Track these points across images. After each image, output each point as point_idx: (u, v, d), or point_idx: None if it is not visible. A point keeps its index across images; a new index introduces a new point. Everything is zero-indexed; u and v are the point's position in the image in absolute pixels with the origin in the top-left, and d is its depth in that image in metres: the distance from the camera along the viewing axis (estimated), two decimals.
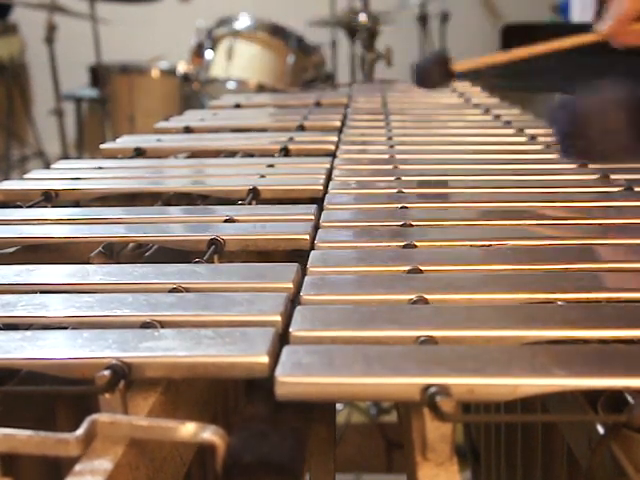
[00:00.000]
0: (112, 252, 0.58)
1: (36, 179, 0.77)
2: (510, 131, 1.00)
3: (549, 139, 0.93)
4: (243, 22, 2.91)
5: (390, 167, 0.79)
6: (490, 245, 0.53)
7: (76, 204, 0.73)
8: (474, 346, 0.38)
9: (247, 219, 0.60)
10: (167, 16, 3.83)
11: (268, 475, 0.33)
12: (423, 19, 3.58)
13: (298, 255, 0.55)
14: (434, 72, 0.91)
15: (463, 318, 0.40)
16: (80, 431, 0.32)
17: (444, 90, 1.50)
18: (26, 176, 0.79)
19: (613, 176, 0.72)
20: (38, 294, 0.46)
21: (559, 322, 0.39)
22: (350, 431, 1.74)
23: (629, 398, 0.34)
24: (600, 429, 0.34)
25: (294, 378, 0.34)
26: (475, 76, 1.64)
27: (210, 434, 0.32)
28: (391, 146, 0.90)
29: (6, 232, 0.59)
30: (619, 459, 0.33)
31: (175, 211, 0.65)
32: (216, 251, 0.54)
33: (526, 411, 0.50)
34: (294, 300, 0.44)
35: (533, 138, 0.94)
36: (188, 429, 0.32)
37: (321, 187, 0.70)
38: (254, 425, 0.36)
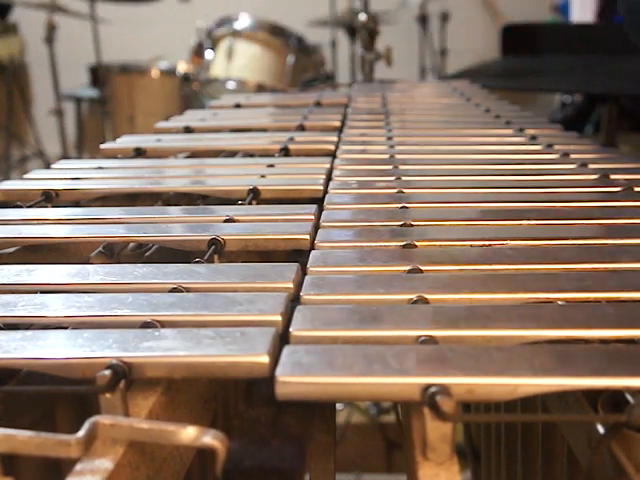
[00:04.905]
0: (112, 252, 0.58)
1: (36, 179, 0.77)
2: (510, 131, 1.00)
3: (549, 139, 0.93)
4: (243, 22, 2.91)
5: (390, 167, 0.79)
6: (490, 245, 0.53)
7: (76, 204, 0.73)
8: (474, 346, 0.38)
9: (247, 219, 0.60)
10: (167, 16, 3.83)
11: None
12: (423, 19, 3.59)
13: (298, 255, 0.55)
14: None
15: (463, 318, 0.40)
16: (81, 433, 0.32)
17: (443, 89, 1.50)
18: (26, 176, 0.79)
19: (613, 176, 0.73)
20: (38, 294, 0.46)
21: (559, 322, 0.39)
22: (350, 431, 1.75)
23: (629, 398, 0.34)
24: (600, 429, 0.34)
25: (294, 378, 0.34)
26: (475, 76, 1.64)
27: (211, 438, 0.32)
28: (391, 146, 0.90)
29: (6, 232, 0.59)
30: (619, 459, 0.33)
31: (175, 211, 0.65)
32: (216, 251, 0.54)
33: (526, 411, 0.50)
34: (294, 300, 0.44)
35: (533, 138, 0.94)
36: (189, 433, 0.32)
37: (321, 187, 0.70)
38: (255, 430, 0.36)
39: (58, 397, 0.45)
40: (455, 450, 0.33)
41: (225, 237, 0.55)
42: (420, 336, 0.38)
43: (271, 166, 0.80)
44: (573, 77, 1.82)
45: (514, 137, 0.96)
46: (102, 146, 0.95)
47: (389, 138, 0.95)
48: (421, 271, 0.48)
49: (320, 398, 0.34)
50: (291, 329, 0.39)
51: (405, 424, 0.39)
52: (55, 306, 0.43)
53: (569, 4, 3.64)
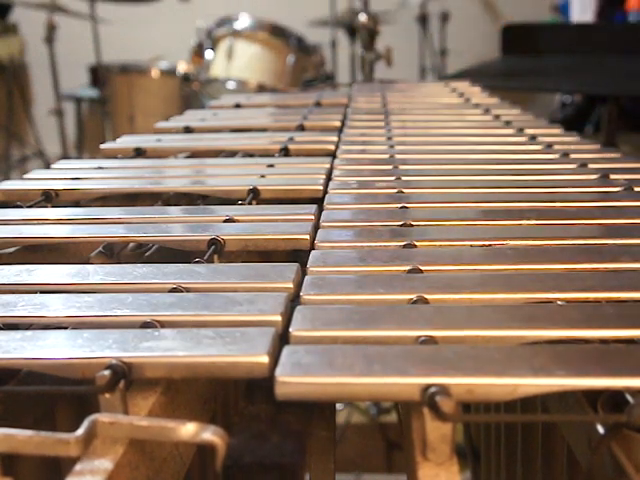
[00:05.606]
0: (112, 252, 0.58)
1: (36, 179, 0.77)
2: (510, 131, 1.00)
3: (549, 139, 0.93)
4: (243, 22, 2.91)
5: (390, 167, 0.79)
6: (490, 245, 0.53)
7: (76, 204, 0.73)
8: (474, 346, 0.38)
9: (247, 219, 0.60)
10: (167, 16, 3.83)
11: (268, 476, 0.33)
12: (423, 19, 3.59)
13: (298, 255, 0.55)
14: None
15: (463, 318, 0.40)
16: (80, 431, 0.32)
17: (443, 89, 1.50)
18: (26, 176, 0.79)
19: (613, 176, 0.72)
20: (38, 294, 0.46)
21: (559, 322, 0.39)
22: (350, 431, 1.75)
23: (629, 398, 0.34)
24: (600, 429, 0.34)
25: (294, 378, 0.34)
26: (475, 76, 1.64)
27: (210, 434, 0.32)
28: (391, 146, 0.90)
29: (6, 232, 0.59)
30: (619, 459, 0.33)
31: (175, 211, 0.65)
32: (216, 251, 0.54)
33: (526, 411, 0.50)
34: (294, 300, 0.44)
35: (533, 138, 0.94)
36: (188, 429, 0.32)
37: (321, 187, 0.70)
38: (254, 426, 0.36)
39: (58, 397, 0.45)
40: (455, 450, 0.33)
41: (225, 237, 0.55)
42: (420, 336, 0.38)
43: (271, 166, 0.80)
44: (573, 77, 1.82)
45: (514, 137, 0.96)
46: (102, 146, 0.95)
47: (389, 138, 0.95)
48: (421, 271, 0.48)
49: (320, 398, 0.34)
50: (291, 329, 0.39)
51: (405, 424, 0.39)
52: (55, 306, 0.43)
53: (569, 4, 3.64)
